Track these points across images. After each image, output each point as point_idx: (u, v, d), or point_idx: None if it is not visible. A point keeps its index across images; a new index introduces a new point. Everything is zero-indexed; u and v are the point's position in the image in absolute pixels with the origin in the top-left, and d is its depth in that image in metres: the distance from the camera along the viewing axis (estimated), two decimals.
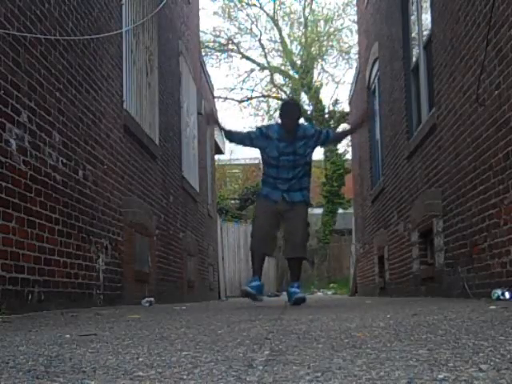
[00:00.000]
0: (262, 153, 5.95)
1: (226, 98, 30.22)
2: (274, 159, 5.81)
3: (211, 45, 29.48)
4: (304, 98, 28.60)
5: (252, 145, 6.00)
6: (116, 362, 1.62)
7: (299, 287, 5.80)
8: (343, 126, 27.50)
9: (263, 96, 30.48)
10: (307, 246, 6.20)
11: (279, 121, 5.96)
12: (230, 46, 30.04)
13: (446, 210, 6.22)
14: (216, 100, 19.70)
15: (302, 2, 33.76)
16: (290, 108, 5.95)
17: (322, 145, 6.22)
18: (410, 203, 8.03)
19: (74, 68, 5.11)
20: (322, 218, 26.70)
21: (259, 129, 5.99)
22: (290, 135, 5.78)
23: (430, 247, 7.09)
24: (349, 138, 19.75)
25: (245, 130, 6.20)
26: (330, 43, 29.24)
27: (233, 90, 31.33)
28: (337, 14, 29.56)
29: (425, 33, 7.44)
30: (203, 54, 21.11)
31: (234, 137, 6.17)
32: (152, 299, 6.28)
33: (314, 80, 28.50)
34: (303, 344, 1.89)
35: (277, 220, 5.88)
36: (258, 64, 30.08)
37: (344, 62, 40.06)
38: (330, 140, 6.19)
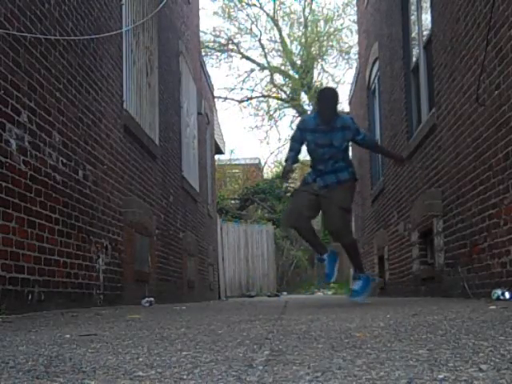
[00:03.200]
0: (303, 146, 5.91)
1: (225, 98, 30.22)
2: (312, 151, 5.76)
3: (211, 45, 29.46)
4: (304, 97, 28.62)
5: (303, 144, 5.85)
6: (116, 361, 1.62)
7: (361, 279, 5.73)
8: None
9: (263, 96, 30.47)
10: (346, 231, 5.86)
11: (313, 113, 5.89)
12: (230, 46, 30.04)
13: (446, 209, 6.22)
14: (216, 100, 19.70)
15: (302, 2, 33.82)
16: (327, 94, 5.80)
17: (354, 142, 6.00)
18: (410, 203, 8.03)
19: (74, 68, 5.11)
20: (321, 218, 26.64)
21: (297, 128, 5.89)
22: (327, 124, 5.61)
23: (430, 247, 7.09)
24: None
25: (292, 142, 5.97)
26: (330, 43, 29.23)
27: (233, 90, 31.29)
28: (337, 14, 29.64)
29: (425, 33, 7.44)
30: (203, 53, 21.10)
31: (295, 155, 5.94)
32: (152, 299, 6.27)
33: (313, 80, 28.50)
34: (303, 344, 1.89)
35: (311, 201, 5.69)
36: (258, 64, 30.08)
37: (344, 61, 40.07)
38: (361, 145, 6.07)
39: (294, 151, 5.88)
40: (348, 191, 5.78)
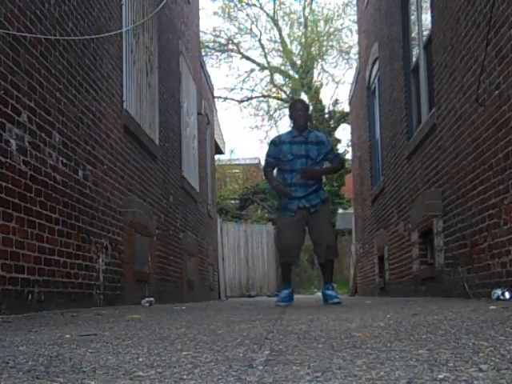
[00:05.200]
0: (278, 161, 6.05)
1: (225, 98, 30.21)
2: (288, 162, 5.94)
3: (211, 45, 29.45)
4: (304, 97, 28.59)
5: (278, 159, 6.05)
6: (116, 362, 1.62)
7: (333, 289, 6.09)
8: (343, 127, 27.55)
9: (263, 96, 30.47)
10: (337, 246, 6.46)
11: (289, 127, 6.25)
12: (230, 46, 30.02)
13: (446, 209, 6.22)
14: (216, 100, 19.70)
15: (302, 2, 33.80)
16: (300, 104, 6.32)
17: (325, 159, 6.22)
18: (410, 203, 8.03)
19: (74, 68, 5.11)
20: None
21: (272, 143, 6.16)
22: (301, 135, 5.98)
23: (430, 247, 7.09)
24: (349, 137, 19.78)
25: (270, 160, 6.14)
26: (330, 43, 29.21)
27: (233, 90, 31.22)
28: (337, 14, 29.54)
29: (425, 33, 7.44)
30: (203, 53, 21.10)
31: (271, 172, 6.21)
32: (152, 299, 6.27)
33: (314, 80, 28.49)
34: (303, 344, 1.89)
35: (300, 229, 6.03)
36: (258, 64, 30.07)
37: (344, 61, 40.03)
38: (331, 162, 6.25)
39: (272, 167, 6.13)
40: (329, 208, 6.33)
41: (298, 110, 6.09)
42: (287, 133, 6.19)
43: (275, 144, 6.07)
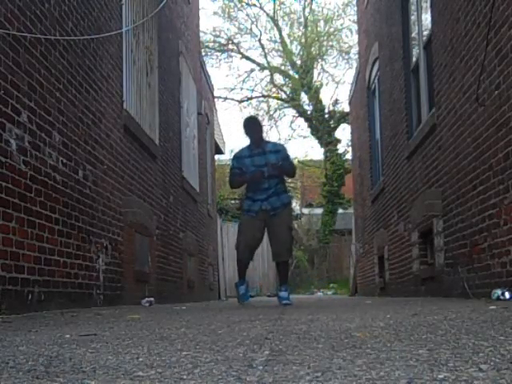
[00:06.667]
0: (242, 173, 6.45)
1: (225, 98, 30.20)
2: (251, 173, 6.35)
3: (211, 45, 29.44)
4: (304, 97, 28.60)
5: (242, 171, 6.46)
6: (116, 362, 1.62)
7: (287, 290, 6.40)
8: (343, 127, 27.55)
9: (263, 96, 30.47)
10: (292, 249, 6.81)
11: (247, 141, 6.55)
12: (230, 46, 30.02)
13: (446, 209, 6.22)
14: (216, 100, 19.70)
15: (302, 2, 33.81)
16: (251, 122, 6.62)
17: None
18: (410, 203, 8.03)
19: (74, 68, 5.11)
20: (322, 218, 26.69)
21: (234, 158, 6.59)
22: (259, 148, 6.39)
23: (430, 247, 7.09)
24: (349, 137, 19.77)
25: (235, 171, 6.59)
26: (330, 43, 29.21)
27: (233, 90, 31.24)
28: (337, 13, 29.53)
29: (425, 33, 7.44)
30: (203, 53, 21.09)
31: (238, 182, 6.69)
32: (152, 299, 6.27)
33: (314, 80, 28.48)
34: (303, 344, 1.89)
35: (259, 230, 6.39)
36: (258, 64, 30.07)
37: (344, 61, 40.05)
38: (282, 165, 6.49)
39: (238, 175, 6.48)
40: (291, 212, 6.71)
41: (250, 128, 6.46)
42: (246, 148, 6.53)
43: (237, 159, 6.51)
